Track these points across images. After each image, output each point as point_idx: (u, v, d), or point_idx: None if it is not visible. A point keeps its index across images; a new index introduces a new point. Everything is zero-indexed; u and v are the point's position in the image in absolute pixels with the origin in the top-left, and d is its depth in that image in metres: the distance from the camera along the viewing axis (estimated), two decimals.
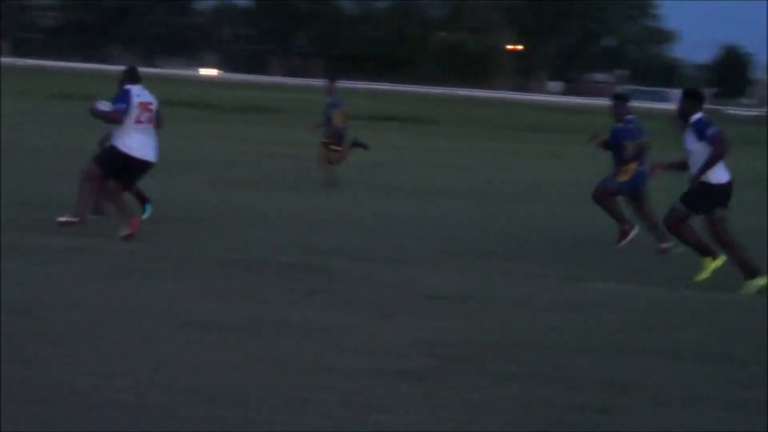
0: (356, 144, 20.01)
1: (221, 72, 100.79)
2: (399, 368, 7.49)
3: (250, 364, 7.39)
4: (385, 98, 76.21)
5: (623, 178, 13.63)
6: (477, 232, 14.67)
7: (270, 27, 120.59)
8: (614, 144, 13.74)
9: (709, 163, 11.10)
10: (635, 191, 13.71)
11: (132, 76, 12.56)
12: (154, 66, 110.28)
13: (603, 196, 13.74)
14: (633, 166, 13.58)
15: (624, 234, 13.60)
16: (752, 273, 11.22)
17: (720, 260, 11.43)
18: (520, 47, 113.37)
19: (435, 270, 11.50)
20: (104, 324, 8.21)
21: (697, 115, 11.33)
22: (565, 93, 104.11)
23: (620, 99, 14.23)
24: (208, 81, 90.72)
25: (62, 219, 12.31)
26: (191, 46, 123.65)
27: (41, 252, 10.94)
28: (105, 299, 9.05)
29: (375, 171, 22.74)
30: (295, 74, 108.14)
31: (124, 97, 12.24)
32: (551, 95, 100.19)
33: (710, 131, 11.14)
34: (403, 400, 6.82)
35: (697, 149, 11.22)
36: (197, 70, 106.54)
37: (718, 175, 11.25)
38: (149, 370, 7.05)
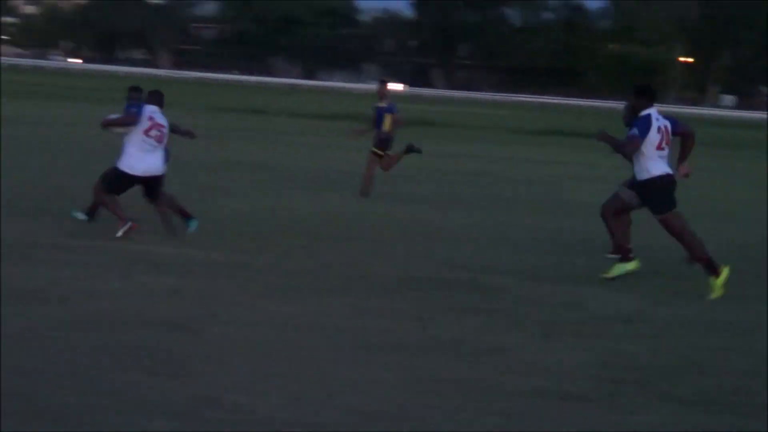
0: (411, 149, 19.39)
1: (407, 87, 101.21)
2: (563, 390, 7.33)
3: (410, 383, 7.30)
4: (553, 112, 75.73)
5: None
6: (646, 250, 14.33)
7: (434, 38, 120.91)
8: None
9: (617, 146, 11.54)
10: None
11: (148, 99, 13.06)
12: (316, 78, 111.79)
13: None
14: None
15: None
16: (713, 271, 11.18)
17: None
18: (692, 59, 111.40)
19: (603, 290, 11.25)
20: (262, 341, 8.20)
21: (647, 111, 11.38)
22: (739, 107, 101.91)
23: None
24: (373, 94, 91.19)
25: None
26: (353, 59, 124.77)
27: (201, 268, 11.02)
28: (264, 316, 9.05)
29: (543, 187, 22.53)
30: (459, 87, 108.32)
31: (136, 105, 12.79)
32: (724, 109, 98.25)
33: (635, 130, 11.24)
34: (567, 422, 6.66)
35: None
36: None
37: (660, 167, 11.37)
38: (305, 388, 7.02)
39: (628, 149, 11.32)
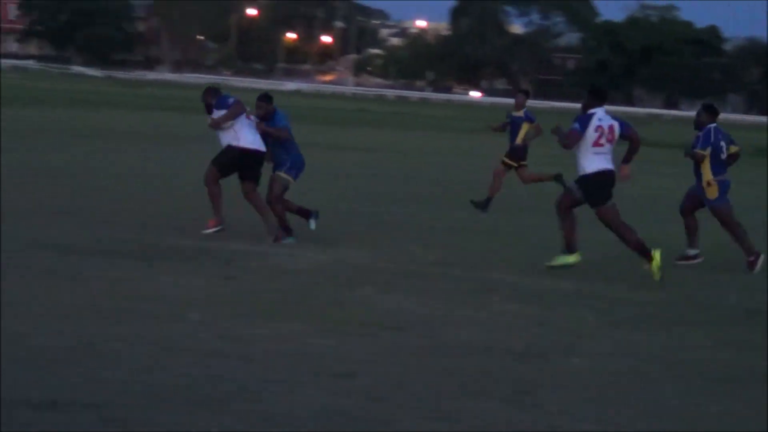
0: (558, 179, 18.52)
1: None
2: None
3: (758, 415, 7.28)
4: None
5: (712, 194, 13.58)
6: None
7: None
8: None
9: (561, 138, 12.17)
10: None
11: (210, 96, 13.83)
12: (678, 108, 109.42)
13: (725, 218, 13.58)
14: (709, 178, 13.48)
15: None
16: (647, 256, 12.08)
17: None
18: None
19: None
20: (615, 372, 8.22)
21: (593, 110, 12.15)
22: None
23: (705, 109, 14.01)
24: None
25: (283, 241, 13.30)
26: (717, 88, 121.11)
27: (546, 296, 11.06)
28: (618, 346, 9.06)
29: None
30: None
31: (224, 101, 13.56)
32: None
33: (577, 125, 12.02)
34: None
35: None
36: None
37: (595, 164, 12.10)
38: (659, 421, 7.04)
39: (568, 141, 12.13)
